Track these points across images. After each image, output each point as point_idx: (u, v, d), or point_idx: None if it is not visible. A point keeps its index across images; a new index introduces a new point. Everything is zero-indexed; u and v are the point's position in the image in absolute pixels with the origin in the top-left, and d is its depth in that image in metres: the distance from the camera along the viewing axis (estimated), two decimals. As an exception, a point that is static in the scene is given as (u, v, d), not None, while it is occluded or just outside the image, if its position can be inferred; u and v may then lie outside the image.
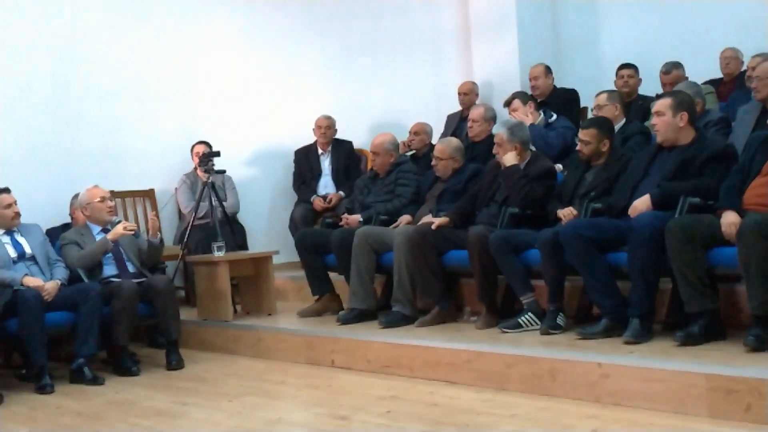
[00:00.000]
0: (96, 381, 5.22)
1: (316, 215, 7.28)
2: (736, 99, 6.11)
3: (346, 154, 7.62)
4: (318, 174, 7.54)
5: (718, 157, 4.53)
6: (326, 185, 7.51)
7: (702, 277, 4.16)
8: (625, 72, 7.07)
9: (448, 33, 8.72)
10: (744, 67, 6.70)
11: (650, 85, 7.04)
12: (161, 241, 5.94)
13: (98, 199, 5.77)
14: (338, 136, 7.65)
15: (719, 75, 7.10)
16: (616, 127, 5.54)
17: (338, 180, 7.50)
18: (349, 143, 7.70)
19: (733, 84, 6.87)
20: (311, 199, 7.37)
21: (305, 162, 7.60)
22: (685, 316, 4.27)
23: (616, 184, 4.91)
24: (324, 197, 7.33)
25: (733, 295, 4.56)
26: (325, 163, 7.59)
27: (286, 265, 7.25)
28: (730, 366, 3.72)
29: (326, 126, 7.55)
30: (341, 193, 7.36)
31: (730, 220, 4.10)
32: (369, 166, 7.12)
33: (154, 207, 7.27)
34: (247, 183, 7.66)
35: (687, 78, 6.65)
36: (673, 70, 6.77)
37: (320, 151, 7.60)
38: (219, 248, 6.14)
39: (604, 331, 4.51)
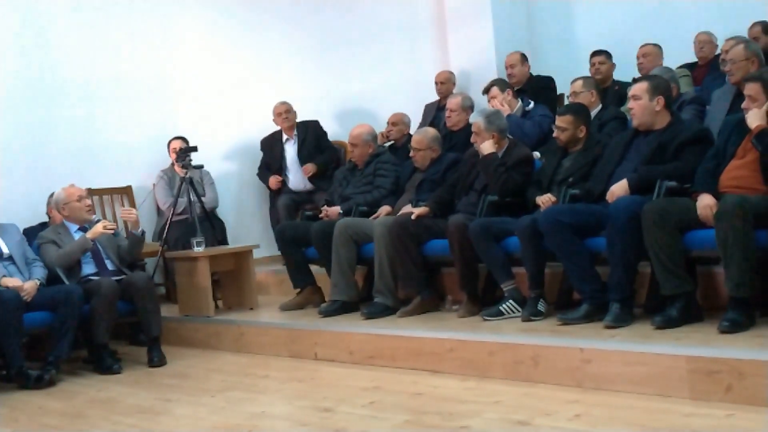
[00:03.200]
0: (41, 379, 5.13)
1: (298, 206, 7.26)
2: (711, 82, 6.13)
3: (314, 134, 7.55)
4: (283, 162, 7.48)
5: (694, 140, 4.56)
6: (295, 176, 7.44)
7: (677, 259, 4.19)
8: (596, 59, 7.08)
9: (423, 22, 8.69)
10: (718, 51, 6.73)
11: (626, 70, 7.06)
12: (143, 233, 5.90)
13: (76, 198, 5.73)
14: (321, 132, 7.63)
15: (694, 59, 7.12)
16: (593, 113, 5.57)
17: (306, 163, 7.42)
18: (315, 122, 7.63)
19: (707, 67, 6.89)
20: (268, 180, 7.37)
21: (269, 150, 7.57)
22: (662, 299, 4.29)
23: (594, 170, 4.93)
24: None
25: (711, 277, 4.58)
26: (292, 151, 7.50)
27: (266, 258, 7.24)
28: (710, 347, 3.75)
29: (285, 110, 7.48)
30: (311, 164, 7.31)
31: (705, 202, 4.12)
32: (348, 158, 7.11)
33: (132, 204, 7.22)
34: (226, 177, 7.63)
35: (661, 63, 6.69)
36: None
37: (285, 137, 7.54)
38: (199, 244, 6.12)
39: (584, 316, 4.53)
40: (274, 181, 7.39)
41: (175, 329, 6.17)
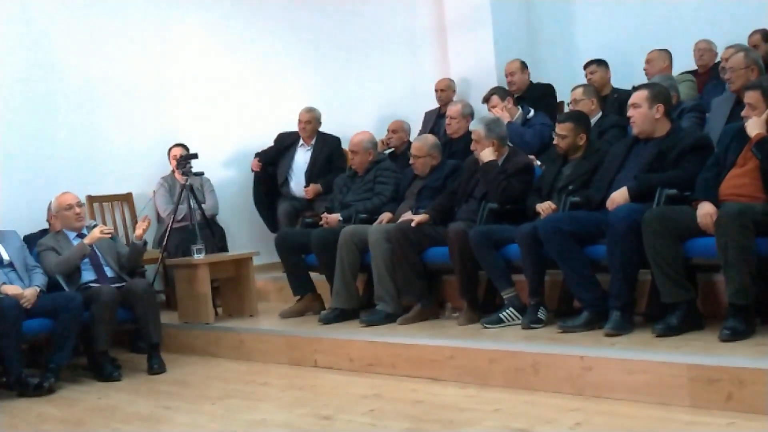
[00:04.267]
0: (41, 387, 5.11)
1: (299, 213, 7.25)
2: (711, 90, 6.15)
3: (330, 150, 7.49)
4: (289, 162, 7.45)
5: (694, 148, 4.56)
6: (297, 182, 7.42)
7: (678, 267, 4.19)
8: (588, 69, 7.11)
9: (424, 30, 8.73)
10: (718, 59, 6.75)
11: (626, 78, 7.06)
12: (145, 243, 5.92)
13: (65, 207, 5.73)
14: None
15: (694, 67, 7.14)
16: (593, 121, 5.58)
17: (312, 174, 7.37)
18: (336, 139, 7.56)
19: (707, 75, 6.91)
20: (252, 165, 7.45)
21: (280, 145, 7.51)
22: (663, 307, 4.29)
23: (594, 177, 4.94)
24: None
25: (711, 285, 4.58)
26: (302, 158, 7.46)
27: (266, 266, 7.22)
28: (710, 355, 3.75)
29: (306, 120, 7.43)
30: (318, 185, 7.26)
31: (706, 210, 4.13)
32: (348, 165, 7.11)
33: (132, 211, 7.23)
34: (226, 184, 7.62)
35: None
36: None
37: (301, 142, 7.51)
38: (199, 251, 6.11)
39: (585, 324, 4.53)
40: (255, 162, 7.41)
41: (174, 336, 6.17)
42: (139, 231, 5.80)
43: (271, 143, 7.60)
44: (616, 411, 3.73)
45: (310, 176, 7.36)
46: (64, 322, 5.22)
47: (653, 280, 4.41)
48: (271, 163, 7.55)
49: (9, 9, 6.78)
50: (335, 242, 5.68)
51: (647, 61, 6.84)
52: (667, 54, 6.85)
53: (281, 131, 7.60)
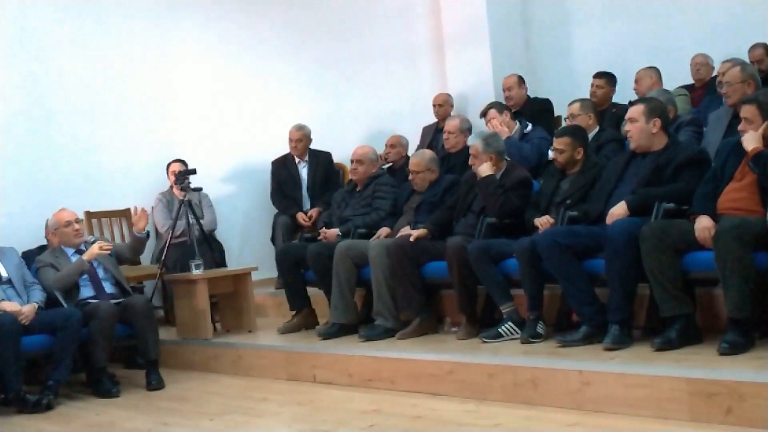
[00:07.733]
0: (39, 404, 5.10)
1: (298, 227, 7.25)
2: (708, 104, 6.17)
3: (324, 166, 7.55)
4: (299, 183, 7.47)
5: (692, 162, 4.58)
6: (304, 197, 7.45)
7: (676, 281, 4.20)
8: (596, 81, 7.12)
9: (421, 46, 8.75)
10: (715, 73, 6.77)
11: (623, 92, 7.09)
12: (147, 234, 5.96)
13: (64, 224, 5.73)
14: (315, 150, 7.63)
15: (690, 81, 7.16)
16: (591, 135, 5.59)
17: (314, 192, 7.42)
18: (327, 154, 7.63)
19: (704, 90, 6.93)
20: (295, 214, 7.26)
21: (284, 172, 7.52)
22: (661, 320, 4.30)
23: (592, 192, 4.94)
24: (305, 212, 7.28)
25: (709, 299, 4.58)
26: (303, 173, 7.52)
27: (265, 281, 7.22)
28: (709, 369, 3.75)
29: (296, 139, 7.46)
30: (319, 208, 7.30)
31: (703, 224, 4.13)
32: (347, 179, 7.11)
33: (131, 227, 7.22)
34: (224, 200, 7.63)
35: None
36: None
37: (297, 159, 7.54)
38: (197, 266, 6.12)
39: (584, 338, 4.52)
40: (302, 219, 7.25)
41: (173, 352, 6.15)
42: (141, 224, 5.84)
43: (268, 159, 7.61)
44: (615, 425, 3.73)
45: (313, 193, 7.37)
46: (62, 339, 5.22)
47: (652, 294, 4.41)
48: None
49: (6, 22, 6.80)
50: (330, 257, 5.69)
51: (635, 81, 6.85)
52: (654, 71, 6.85)
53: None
